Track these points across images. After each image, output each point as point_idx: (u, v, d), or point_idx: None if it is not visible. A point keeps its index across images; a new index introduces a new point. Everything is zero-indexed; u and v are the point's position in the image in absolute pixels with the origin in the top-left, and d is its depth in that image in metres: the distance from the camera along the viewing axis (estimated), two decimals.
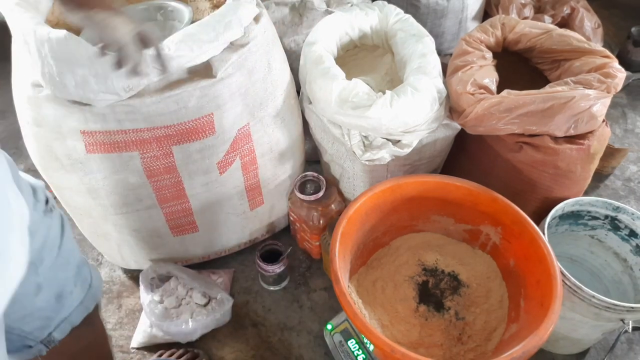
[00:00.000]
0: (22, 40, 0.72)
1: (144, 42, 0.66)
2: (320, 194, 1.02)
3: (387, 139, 0.95)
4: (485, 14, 1.41)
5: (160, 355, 0.96)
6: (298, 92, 1.07)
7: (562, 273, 0.82)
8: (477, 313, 0.89)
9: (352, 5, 1.14)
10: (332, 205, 1.04)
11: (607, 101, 0.89)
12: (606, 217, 0.98)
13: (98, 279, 0.70)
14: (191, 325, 0.95)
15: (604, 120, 0.93)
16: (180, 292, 1.01)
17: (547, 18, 1.32)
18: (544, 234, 0.86)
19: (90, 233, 1.03)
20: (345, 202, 1.10)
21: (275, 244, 1.07)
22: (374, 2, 1.14)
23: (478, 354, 0.84)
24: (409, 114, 0.90)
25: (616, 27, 1.80)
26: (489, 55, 0.99)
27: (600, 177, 1.33)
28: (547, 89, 0.89)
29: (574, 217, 1.00)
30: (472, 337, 0.87)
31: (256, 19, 0.85)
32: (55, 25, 0.85)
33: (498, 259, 0.94)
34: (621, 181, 1.34)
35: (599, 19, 1.36)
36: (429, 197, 0.93)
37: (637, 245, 0.95)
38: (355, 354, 0.91)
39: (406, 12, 1.09)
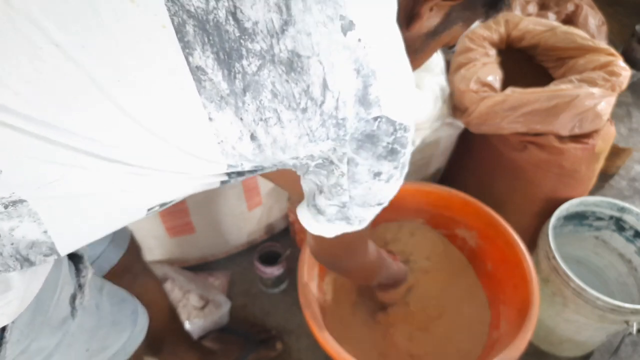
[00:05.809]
0: None
1: None
2: None
3: None
4: None
5: None
6: None
7: (566, 274, 0.82)
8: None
9: None
10: None
11: (612, 100, 0.87)
12: (611, 217, 0.96)
13: None
14: (188, 327, 0.94)
15: (608, 119, 0.92)
16: (177, 295, 0.99)
17: (551, 15, 1.30)
18: (548, 234, 0.85)
19: None
20: None
21: (274, 245, 1.05)
22: None
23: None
24: None
25: (620, 25, 1.78)
26: (492, 52, 0.98)
27: (605, 176, 1.32)
28: (552, 87, 0.87)
29: (578, 217, 0.98)
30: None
31: None
32: None
33: (475, 263, 0.94)
34: (626, 181, 1.32)
35: (603, 16, 1.34)
36: (402, 206, 0.93)
37: None
38: None
39: None
